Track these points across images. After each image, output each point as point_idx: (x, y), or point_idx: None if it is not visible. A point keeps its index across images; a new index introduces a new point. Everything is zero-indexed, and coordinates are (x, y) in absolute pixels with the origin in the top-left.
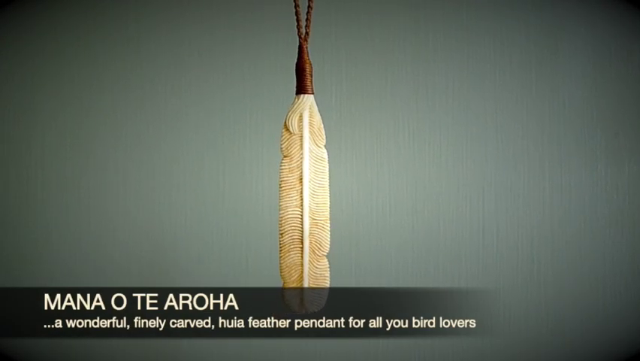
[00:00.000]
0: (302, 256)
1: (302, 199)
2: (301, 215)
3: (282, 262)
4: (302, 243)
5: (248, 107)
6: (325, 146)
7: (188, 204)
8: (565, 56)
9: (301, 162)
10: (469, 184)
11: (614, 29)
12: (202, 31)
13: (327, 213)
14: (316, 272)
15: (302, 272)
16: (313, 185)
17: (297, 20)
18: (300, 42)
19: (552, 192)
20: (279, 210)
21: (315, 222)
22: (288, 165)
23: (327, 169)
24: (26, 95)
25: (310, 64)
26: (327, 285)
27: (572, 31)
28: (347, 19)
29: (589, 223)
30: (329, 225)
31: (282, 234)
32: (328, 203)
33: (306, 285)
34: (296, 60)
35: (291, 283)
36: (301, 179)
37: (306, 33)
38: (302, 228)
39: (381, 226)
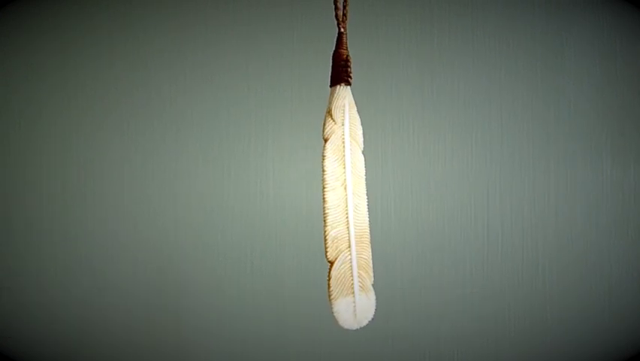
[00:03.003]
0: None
1: (346, 200)
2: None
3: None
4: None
5: (252, 108)
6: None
7: (192, 204)
8: (570, 57)
9: (344, 155)
10: (473, 184)
11: (620, 31)
12: (206, 30)
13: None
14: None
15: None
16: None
17: (335, 3)
18: (340, 29)
19: (557, 191)
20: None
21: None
22: (332, 155)
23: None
24: (28, 94)
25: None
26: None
27: (577, 33)
28: (352, 20)
29: (594, 223)
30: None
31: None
32: (367, 215)
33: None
34: (334, 49)
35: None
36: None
37: (344, 15)
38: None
39: (385, 225)
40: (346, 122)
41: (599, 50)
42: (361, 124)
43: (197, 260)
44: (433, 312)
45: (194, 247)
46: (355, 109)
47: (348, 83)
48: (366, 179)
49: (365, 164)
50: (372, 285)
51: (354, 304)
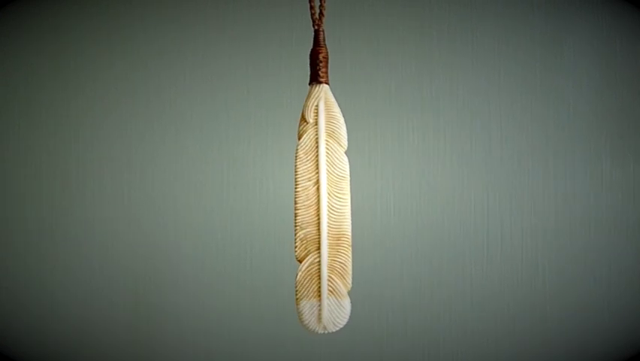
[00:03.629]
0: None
1: (319, 201)
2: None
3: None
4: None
5: (252, 109)
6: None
7: (192, 204)
8: (569, 58)
9: (317, 158)
10: (473, 186)
11: (619, 31)
12: (207, 30)
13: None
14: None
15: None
16: (331, 190)
17: (310, 2)
18: (314, 27)
19: (556, 193)
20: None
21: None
22: (305, 157)
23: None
24: (27, 94)
25: (326, 50)
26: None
27: (576, 34)
28: (351, 22)
29: (593, 223)
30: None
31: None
32: (348, 218)
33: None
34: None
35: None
36: (317, 185)
37: (320, 13)
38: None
39: (384, 227)
40: (320, 121)
41: (599, 51)
42: (345, 123)
43: (196, 260)
44: (433, 312)
45: (193, 247)
46: (335, 108)
47: (318, 82)
48: (350, 180)
49: (351, 164)
50: (349, 292)
51: (319, 308)
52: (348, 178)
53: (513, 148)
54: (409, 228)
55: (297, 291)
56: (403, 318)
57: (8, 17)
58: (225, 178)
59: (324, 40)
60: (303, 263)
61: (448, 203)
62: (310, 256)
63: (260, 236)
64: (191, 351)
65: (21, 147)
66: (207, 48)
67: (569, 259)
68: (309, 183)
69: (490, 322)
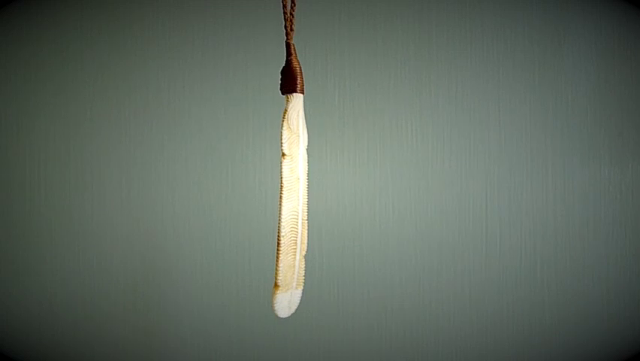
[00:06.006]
0: (295, 258)
1: (299, 200)
2: (297, 216)
3: (280, 264)
4: (296, 245)
5: (251, 109)
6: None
7: (191, 204)
8: (568, 56)
9: (298, 162)
10: (472, 185)
11: (618, 30)
12: (206, 31)
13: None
14: (301, 274)
15: (294, 274)
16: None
17: (284, 17)
18: (286, 40)
19: (555, 191)
20: (280, 211)
21: (303, 222)
22: (289, 164)
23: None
24: (28, 94)
25: (292, 62)
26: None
27: (575, 33)
28: (351, 21)
29: (592, 223)
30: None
31: (283, 236)
32: (282, 220)
33: (296, 287)
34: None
35: (286, 286)
36: (299, 179)
37: (290, 29)
38: (298, 229)
39: (384, 227)
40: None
41: (597, 50)
42: (284, 131)
43: (196, 259)
44: (432, 312)
45: (193, 246)
46: (288, 115)
47: (281, 92)
48: (283, 185)
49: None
50: (277, 288)
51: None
52: (284, 184)
53: (513, 148)
54: (408, 228)
55: None
56: (403, 318)
57: (8, 17)
58: (225, 178)
59: (293, 53)
60: None
61: (448, 203)
62: None
63: (259, 236)
64: (191, 351)
65: (21, 146)
66: (207, 48)
67: (567, 259)
68: None
69: (490, 322)
